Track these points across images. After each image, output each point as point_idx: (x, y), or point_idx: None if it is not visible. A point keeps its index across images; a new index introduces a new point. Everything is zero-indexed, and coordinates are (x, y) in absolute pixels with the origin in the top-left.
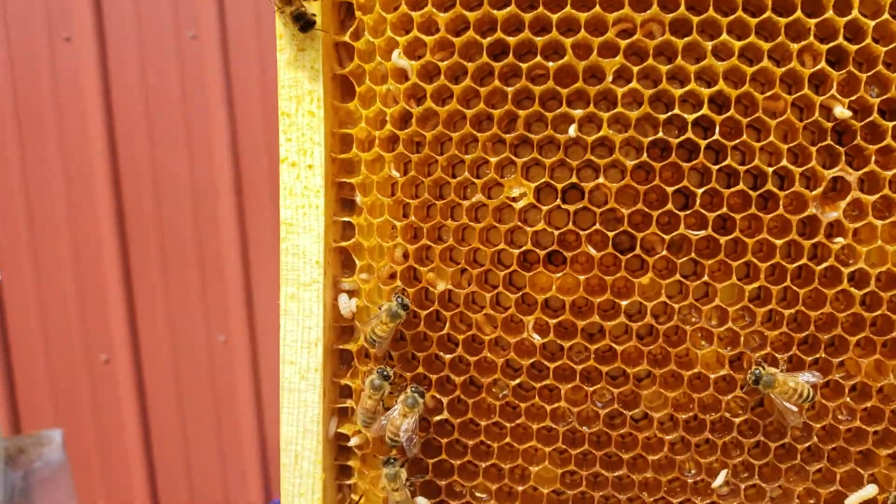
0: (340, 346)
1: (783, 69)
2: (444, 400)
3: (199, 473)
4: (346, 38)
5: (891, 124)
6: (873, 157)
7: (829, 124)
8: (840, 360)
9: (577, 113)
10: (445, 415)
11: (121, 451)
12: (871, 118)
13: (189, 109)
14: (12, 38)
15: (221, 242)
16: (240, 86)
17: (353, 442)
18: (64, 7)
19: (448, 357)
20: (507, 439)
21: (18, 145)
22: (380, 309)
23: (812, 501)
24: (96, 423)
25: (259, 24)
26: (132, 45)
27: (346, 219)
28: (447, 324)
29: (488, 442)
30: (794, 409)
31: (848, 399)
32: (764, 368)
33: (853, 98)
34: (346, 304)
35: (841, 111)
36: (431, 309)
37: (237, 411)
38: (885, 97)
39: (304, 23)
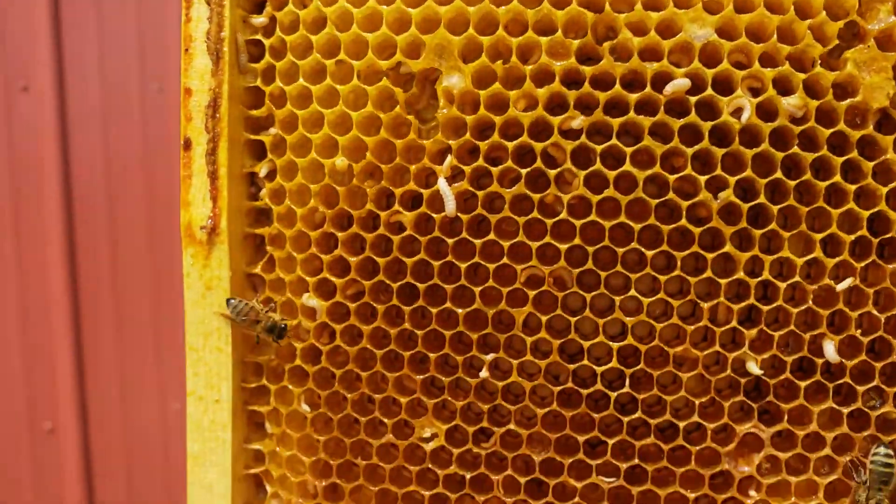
0: None
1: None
2: None
3: None
4: (258, 271)
5: (803, 384)
6: (786, 415)
7: (743, 380)
8: None
9: (487, 357)
10: None
11: None
12: (784, 375)
13: (149, 166)
14: None
15: (180, 308)
16: None
17: None
18: (22, 56)
19: None
20: None
21: None
22: None
23: None
24: (35, 498)
25: None
26: (93, 97)
27: (257, 446)
28: None
29: None
30: None
31: None
32: None
33: (766, 356)
34: None
35: (753, 367)
36: None
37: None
38: (798, 355)
39: (278, 332)
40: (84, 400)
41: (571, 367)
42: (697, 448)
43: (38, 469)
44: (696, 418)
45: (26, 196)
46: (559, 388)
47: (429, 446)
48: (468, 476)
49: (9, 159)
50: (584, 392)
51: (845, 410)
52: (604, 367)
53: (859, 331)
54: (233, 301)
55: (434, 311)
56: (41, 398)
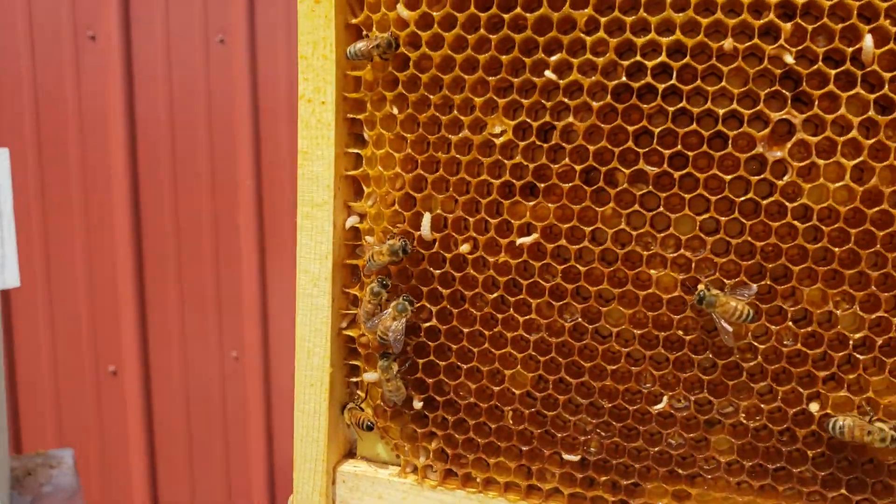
0: (349, 262)
1: (735, 21)
2: (434, 309)
3: (204, 492)
4: None
5: (833, 72)
6: (816, 102)
7: (779, 71)
8: (787, 286)
9: (553, 59)
10: (434, 322)
11: (123, 466)
12: (816, 66)
13: (213, 118)
14: (36, 35)
15: (240, 258)
16: (266, 95)
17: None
18: (90, 6)
19: (437, 272)
20: (486, 345)
21: (36, 145)
22: (386, 240)
23: (758, 417)
24: (100, 436)
25: (289, 30)
26: (158, 46)
27: (357, 151)
28: (437, 244)
29: (470, 347)
30: (730, 329)
31: (790, 324)
32: (708, 290)
33: (801, 47)
34: (351, 222)
35: (789, 59)
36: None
37: (247, 430)
38: (829, 47)
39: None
40: (146, 345)
41: (624, 62)
42: (734, 133)
43: (102, 408)
44: (735, 106)
45: (93, 142)
46: (612, 84)
47: (499, 140)
48: (531, 166)
49: (78, 106)
50: (635, 85)
51: (872, 96)
52: (652, 63)
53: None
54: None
55: (507, 17)
56: (106, 343)
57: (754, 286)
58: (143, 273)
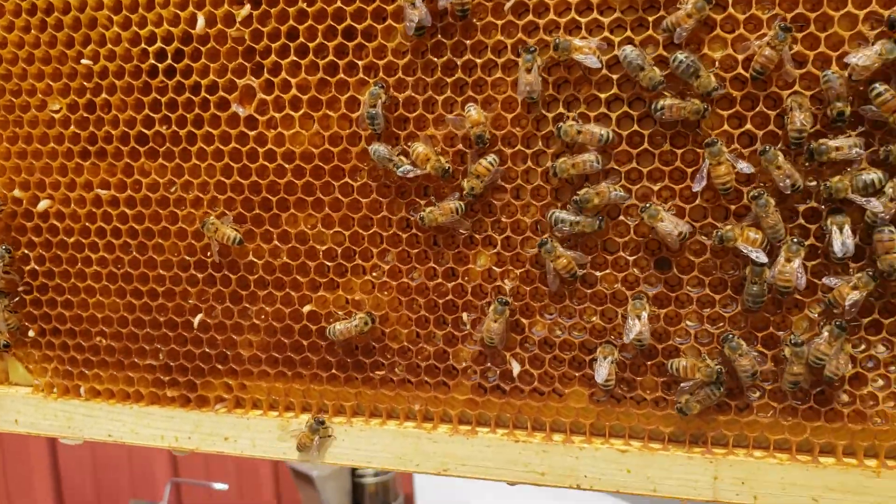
0: None
1: (222, 10)
2: (31, 254)
3: None
4: None
5: (274, 45)
6: (265, 69)
7: (241, 48)
8: (271, 214)
9: (86, 50)
10: (33, 265)
11: None
12: (264, 42)
13: None
14: None
15: None
16: None
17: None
18: None
19: (29, 224)
20: (73, 280)
21: None
22: None
23: (266, 319)
24: None
25: None
26: None
27: None
28: (24, 202)
29: (62, 282)
30: (217, 248)
31: (277, 243)
32: (210, 220)
33: (251, 29)
34: None
35: (246, 37)
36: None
37: None
38: (273, 26)
39: None
40: None
41: (135, 49)
42: (214, 97)
43: None
44: (212, 77)
45: None
46: (129, 66)
47: (58, 115)
48: (83, 133)
49: None
50: (144, 66)
51: (322, 62)
52: (153, 48)
53: None
54: None
55: (49, 20)
56: None
57: (230, 219)
58: None
